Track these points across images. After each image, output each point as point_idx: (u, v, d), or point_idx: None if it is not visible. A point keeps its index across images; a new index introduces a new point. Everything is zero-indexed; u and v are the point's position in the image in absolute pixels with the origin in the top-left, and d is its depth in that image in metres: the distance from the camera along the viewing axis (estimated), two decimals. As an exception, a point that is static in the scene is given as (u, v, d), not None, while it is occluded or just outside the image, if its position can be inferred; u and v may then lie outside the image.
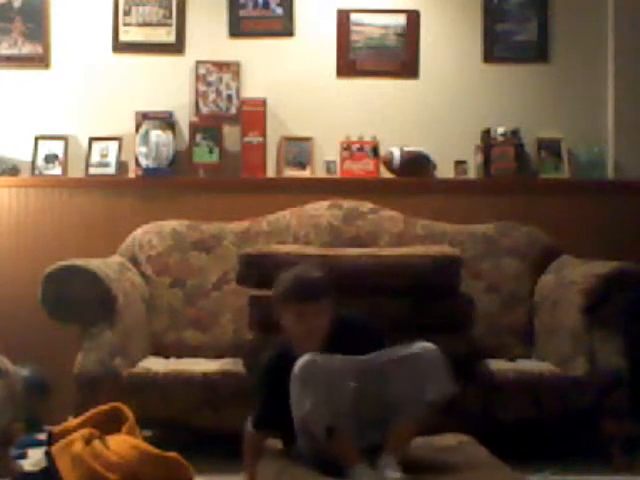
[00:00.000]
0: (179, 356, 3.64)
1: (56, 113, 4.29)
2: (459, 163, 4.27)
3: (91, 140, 4.25)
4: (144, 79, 4.30)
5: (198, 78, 4.29)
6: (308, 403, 2.39)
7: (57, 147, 4.23)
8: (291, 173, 4.23)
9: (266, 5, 4.32)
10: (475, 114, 4.29)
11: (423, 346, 2.52)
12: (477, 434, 2.79)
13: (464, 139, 4.28)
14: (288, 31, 4.31)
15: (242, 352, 3.31)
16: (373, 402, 2.48)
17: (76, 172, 4.24)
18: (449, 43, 4.34)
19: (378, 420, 2.48)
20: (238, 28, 4.32)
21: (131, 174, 4.24)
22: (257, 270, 3.33)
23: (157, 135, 4.15)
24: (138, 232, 3.91)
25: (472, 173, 4.28)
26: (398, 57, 4.32)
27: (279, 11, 4.32)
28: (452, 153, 4.26)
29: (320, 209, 3.97)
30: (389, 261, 3.38)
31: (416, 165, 4.17)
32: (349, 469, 2.37)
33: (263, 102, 4.22)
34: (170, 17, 4.31)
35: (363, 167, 4.22)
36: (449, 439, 2.74)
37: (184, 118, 4.28)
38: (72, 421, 2.90)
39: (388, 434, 2.46)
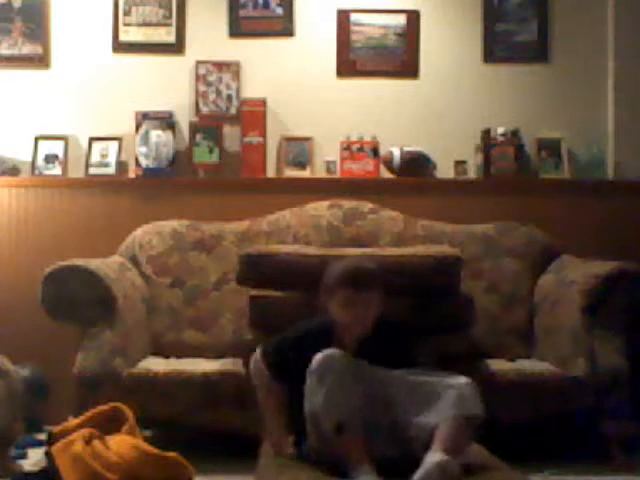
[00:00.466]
0: (179, 356, 3.64)
1: (56, 113, 4.29)
2: (459, 163, 4.27)
3: (91, 140, 4.25)
4: (144, 79, 4.30)
5: (198, 78, 4.29)
6: (321, 397, 2.40)
7: (57, 147, 4.23)
8: (291, 173, 4.23)
9: (266, 5, 4.32)
10: (475, 114, 4.29)
11: (449, 384, 2.45)
12: (477, 434, 2.79)
13: (464, 139, 4.28)
14: (288, 31, 4.31)
15: (242, 352, 3.30)
16: (381, 412, 2.49)
17: (76, 172, 4.24)
18: (449, 43, 4.34)
19: (389, 431, 2.47)
20: (238, 28, 4.32)
21: (131, 174, 4.24)
22: (257, 270, 3.33)
23: (157, 135, 4.15)
24: (138, 232, 3.91)
25: (472, 173, 4.28)
26: (398, 57, 4.32)
27: (279, 11, 4.32)
28: (452, 153, 4.26)
29: (320, 209, 3.97)
30: (389, 261, 3.38)
31: (416, 165, 4.17)
32: (354, 469, 2.36)
33: (263, 102, 4.22)
34: (170, 17, 4.31)
35: (363, 167, 4.22)
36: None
37: (184, 118, 4.28)
38: (72, 421, 2.90)
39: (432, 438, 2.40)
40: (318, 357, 2.47)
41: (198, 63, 4.29)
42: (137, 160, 4.19)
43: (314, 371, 2.45)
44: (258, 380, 2.72)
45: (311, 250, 3.50)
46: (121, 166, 4.23)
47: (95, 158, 4.23)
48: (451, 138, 4.29)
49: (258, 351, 2.73)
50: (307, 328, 2.72)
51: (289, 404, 2.63)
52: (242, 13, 4.32)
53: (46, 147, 4.23)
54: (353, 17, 4.30)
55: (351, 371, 2.46)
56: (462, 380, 2.45)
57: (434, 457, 2.29)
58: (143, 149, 4.16)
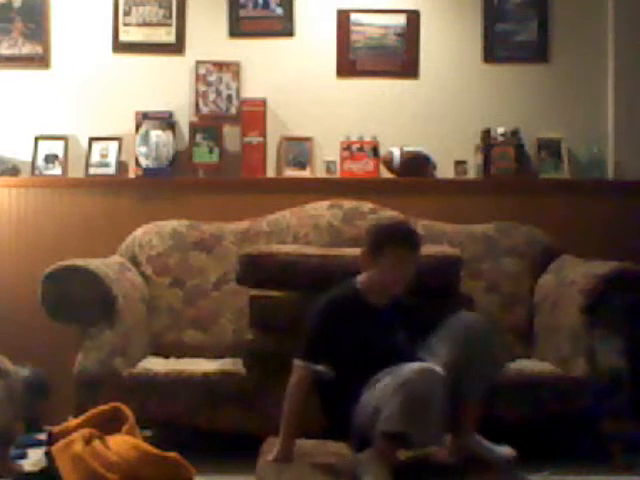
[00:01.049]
0: (179, 356, 3.64)
1: (56, 113, 4.29)
2: (459, 163, 4.27)
3: (91, 140, 4.25)
4: (144, 79, 4.30)
5: (198, 78, 4.29)
6: (396, 405, 2.39)
7: (57, 147, 4.23)
8: (291, 173, 4.23)
9: (266, 5, 4.32)
10: (475, 114, 4.29)
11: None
12: (477, 434, 2.79)
13: (464, 139, 4.28)
14: (288, 31, 4.31)
15: (242, 352, 3.31)
16: None
17: (76, 172, 4.24)
18: (449, 43, 4.34)
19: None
20: (238, 28, 4.32)
21: (131, 174, 4.23)
22: (257, 270, 3.33)
23: (157, 135, 4.15)
24: (138, 232, 3.91)
25: (472, 173, 4.28)
26: (398, 57, 4.32)
27: (279, 11, 4.32)
28: (452, 153, 4.26)
29: (320, 209, 3.97)
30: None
31: (416, 165, 4.17)
32: (371, 466, 2.40)
33: (263, 102, 4.22)
34: (170, 17, 4.31)
35: (363, 167, 4.22)
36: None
37: (184, 118, 4.28)
38: (72, 421, 2.90)
39: (460, 415, 2.59)
40: (416, 367, 2.44)
41: (198, 63, 4.29)
42: (137, 160, 4.19)
43: (407, 379, 2.42)
44: (296, 387, 2.68)
45: (311, 250, 3.51)
46: (121, 166, 4.23)
47: (95, 158, 4.23)
48: (451, 138, 4.28)
49: (297, 361, 2.69)
50: (331, 304, 2.72)
51: (333, 380, 2.63)
52: (242, 13, 4.32)
53: (46, 147, 4.23)
54: (353, 17, 4.30)
55: (441, 394, 2.44)
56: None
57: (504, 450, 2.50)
58: (143, 149, 4.16)
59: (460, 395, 2.58)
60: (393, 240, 2.68)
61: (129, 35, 4.31)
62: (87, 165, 4.22)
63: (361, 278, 2.79)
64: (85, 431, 2.74)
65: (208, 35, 4.32)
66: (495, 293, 3.81)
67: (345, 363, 2.61)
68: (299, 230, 3.91)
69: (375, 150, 4.23)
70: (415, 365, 2.47)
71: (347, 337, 2.63)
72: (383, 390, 2.47)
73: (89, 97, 4.29)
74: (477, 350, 2.61)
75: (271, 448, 2.69)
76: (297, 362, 2.68)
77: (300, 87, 4.28)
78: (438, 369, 2.46)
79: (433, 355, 2.63)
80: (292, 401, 2.66)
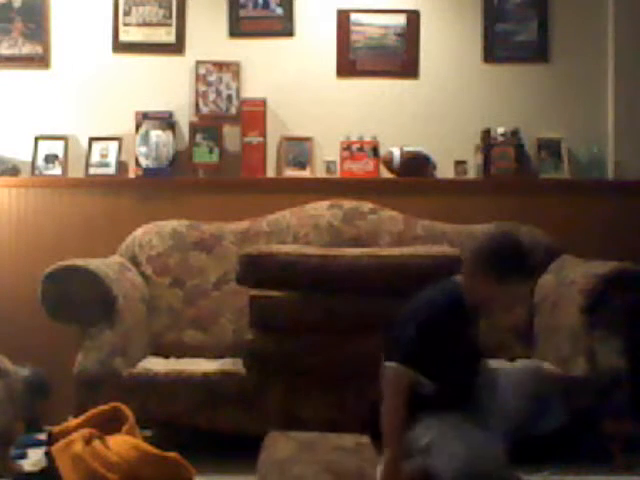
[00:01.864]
0: (179, 356, 3.64)
1: (56, 113, 4.29)
2: (459, 163, 4.27)
3: (91, 140, 4.25)
4: (144, 79, 4.30)
5: (198, 78, 4.29)
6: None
7: (57, 147, 4.23)
8: (291, 173, 4.23)
9: (266, 5, 4.32)
10: (475, 114, 4.29)
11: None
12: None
13: (464, 139, 4.28)
14: (288, 31, 4.31)
15: (242, 352, 3.31)
16: None
17: (76, 172, 4.24)
18: (449, 43, 4.34)
19: None
20: (238, 28, 4.32)
21: (131, 174, 4.23)
22: (257, 270, 3.33)
23: (157, 135, 4.15)
24: (138, 232, 3.91)
25: (472, 173, 4.28)
26: (398, 57, 4.32)
27: (279, 11, 4.32)
28: (452, 153, 4.26)
29: (320, 209, 3.97)
30: (389, 261, 3.38)
31: (416, 165, 4.17)
32: None
33: (263, 102, 4.22)
34: (170, 17, 4.31)
35: (363, 167, 4.22)
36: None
37: (184, 118, 4.28)
38: (72, 421, 2.90)
39: None
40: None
41: (198, 63, 4.29)
42: (137, 160, 4.19)
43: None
44: (395, 394, 2.47)
45: (311, 250, 3.51)
46: (121, 166, 4.23)
47: (95, 158, 4.23)
48: (451, 138, 4.28)
49: (392, 364, 2.49)
50: (435, 303, 2.56)
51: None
52: (242, 13, 4.32)
53: (46, 147, 4.23)
54: (353, 17, 4.30)
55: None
56: None
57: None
58: (143, 149, 4.16)
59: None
60: (506, 269, 2.53)
61: (129, 35, 4.31)
62: (87, 165, 4.22)
63: (461, 280, 2.63)
64: (85, 431, 2.74)
65: (208, 35, 4.32)
66: (495, 293, 3.80)
67: (443, 374, 2.47)
68: (299, 230, 3.91)
69: (375, 150, 4.23)
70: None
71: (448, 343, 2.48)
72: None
73: (89, 97, 4.29)
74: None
75: (273, 443, 2.69)
76: (394, 366, 2.46)
77: (300, 87, 4.28)
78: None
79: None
80: (396, 414, 2.45)
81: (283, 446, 2.72)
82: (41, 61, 4.29)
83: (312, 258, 3.32)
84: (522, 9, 4.34)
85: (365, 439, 2.83)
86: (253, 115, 4.20)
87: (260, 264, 3.34)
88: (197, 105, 4.29)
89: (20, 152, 4.24)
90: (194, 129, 4.24)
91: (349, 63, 4.31)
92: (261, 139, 4.20)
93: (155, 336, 3.73)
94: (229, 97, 4.30)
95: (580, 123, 4.31)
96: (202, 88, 4.30)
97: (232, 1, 4.32)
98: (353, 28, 4.30)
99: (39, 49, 4.29)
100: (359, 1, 4.32)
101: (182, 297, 3.81)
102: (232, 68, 4.29)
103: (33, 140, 4.24)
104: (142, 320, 3.66)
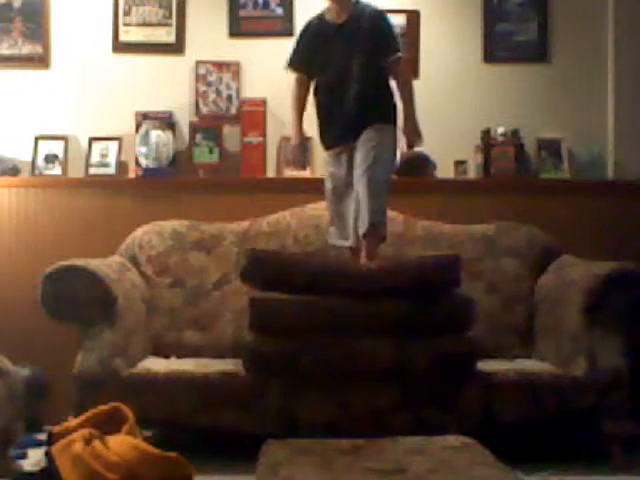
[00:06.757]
0: (179, 356, 3.64)
1: (56, 113, 4.29)
2: (459, 163, 4.27)
3: (91, 140, 4.25)
4: (144, 79, 4.30)
5: (198, 78, 4.30)
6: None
7: (57, 147, 4.24)
8: (291, 173, 4.23)
9: (266, 5, 4.32)
10: (475, 114, 4.30)
11: None
12: (477, 434, 2.79)
13: (464, 139, 4.28)
14: (288, 31, 4.31)
15: (242, 352, 3.31)
16: None
17: (76, 172, 4.24)
18: (449, 43, 4.35)
19: None
20: (238, 28, 4.33)
21: (131, 174, 4.24)
22: (262, 266, 3.31)
23: (157, 135, 4.15)
24: (138, 232, 3.91)
25: (472, 173, 4.28)
26: (398, 57, 4.31)
27: (279, 11, 4.32)
28: (452, 153, 4.27)
29: (320, 209, 3.97)
30: (389, 261, 3.38)
31: (416, 165, 4.17)
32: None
33: (263, 102, 4.22)
34: (170, 17, 4.32)
35: (363, 167, 4.21)
36: (451, 440, 2.74)
37: (184, 118, 4.28)
38: (72, 421, 2.89)
39: None
40: None
41: (198, 63, 4.29)
42: (137, 160, 4.19)
43: None
44: (296, 96, 3.74)
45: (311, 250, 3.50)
46: (121, 166, 4.24)
47: (95, 158, 4.23)
48: (451, 138, 4.29)
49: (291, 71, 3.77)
50: (308, 25, 3.76)
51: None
52: (242, 13, 4.32)
53: (46, 147, 4.24)
54: (353, 17, 4.29)
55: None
56: None
57: None
58: (143, 149, 4.16)
59: None
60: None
61: (129, 35, 4.31)
62: (87, 165, 4.23)
63: None
64: (85, 431, 2.73)
65: (208, 35, 4.33)
66: (495, 293, 3.81)
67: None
68: (299, 230, 3.91)
69: (375, 150, 4.22)
70: None
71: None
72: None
73: (89, 97, 4.29)
74: None
75: (270, 448, 2.69)
76: (291, 72, 3.71)
77: (300, 87, 4.28)
78: None
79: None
80: (295, 95, 3.75)
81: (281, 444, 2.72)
82: (41, 61, 4.29)
83: (315, 257, 3.31)
84: (522, 9, 4.34)
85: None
86: (253, 115, 4.21)
87: (265, 260, 3.33)
88: (197, 105, 4.29)
89: (20, 152, 4.24)
90: (194, 129, 4.24)
91: (349, 63, 4.30)
92: (261, 139, 4.20)
93: (155, 336, 3.73)
94: (229, 97, 4.30)
95: (580, 123, 4.31)
96: (202, 88, 4.30)
97: (232, 1, 4.32)
98: (353, 28, 4.29)
99: (39, 49, 4.29)
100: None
101: (182, 297, 3.81)
102: (232, 68, 4.30)
103: (33, 140, 4.24)
104: (142, 320, 3.66)
